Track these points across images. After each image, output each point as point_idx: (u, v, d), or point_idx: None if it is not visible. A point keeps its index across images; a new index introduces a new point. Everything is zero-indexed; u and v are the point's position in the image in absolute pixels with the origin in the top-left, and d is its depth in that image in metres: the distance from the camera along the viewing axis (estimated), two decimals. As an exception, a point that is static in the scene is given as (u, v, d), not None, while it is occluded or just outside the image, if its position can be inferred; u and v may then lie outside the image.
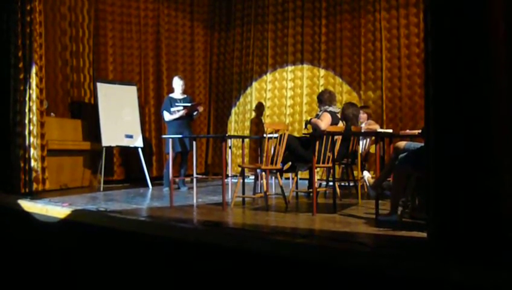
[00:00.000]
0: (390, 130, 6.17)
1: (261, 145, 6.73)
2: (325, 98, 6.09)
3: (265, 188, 5.47)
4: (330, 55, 9.00)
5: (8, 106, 6.39)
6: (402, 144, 4.30)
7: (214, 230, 3.98)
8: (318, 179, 6.69)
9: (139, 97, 8.49)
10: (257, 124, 9.61)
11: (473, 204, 2.69)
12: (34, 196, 6.03)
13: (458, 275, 2.60)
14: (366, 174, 4.79)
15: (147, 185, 7.74)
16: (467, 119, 2.73)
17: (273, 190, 6.84)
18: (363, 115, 6.83)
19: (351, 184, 6.65)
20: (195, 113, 7.41)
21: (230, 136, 6.70)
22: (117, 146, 7.90)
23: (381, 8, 8.43)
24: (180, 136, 6.85)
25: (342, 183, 6.83)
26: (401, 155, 4.21)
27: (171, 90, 7.64)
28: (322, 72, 9.04)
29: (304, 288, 3.23)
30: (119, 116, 7.88)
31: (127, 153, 8.53)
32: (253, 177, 6.98)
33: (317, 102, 6.33)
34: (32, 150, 6.30)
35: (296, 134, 8.33)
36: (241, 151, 7.70)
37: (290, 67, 9.40)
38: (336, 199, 5.10)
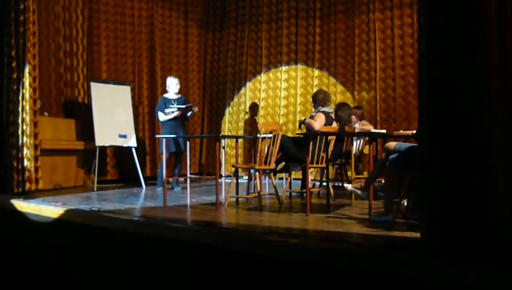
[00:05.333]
0: (384, 131, 6.18)
1: (254, 145, 6.73)
2: (319, 98, 6.09)
3: (259, 188, 5.47)
4: (324, 55, 9.01)
5: (1, 105, 6.37)
6: (392, 144, 4.28)
7: (207, 230, 3.98)
8: (312, 180, 6.70)
9: (132, 97, 8.47)
10: (251, 124, 9.61)
11: (467, 205, 2.70)
12: (27, 195, 6.01)
13: (451, 275, 2.61)
14: (349, 187, 4.80)
15: (141, 185, 7.73)
16: (460, 120, 2.74)
17: (267, 190, 6.84)
18: (353, 116, 6.83)
19: (345, 185, 6.65)
20: (189, 113, 7.40)
21: (224, 136, 6.70)
22: (111, 146, 7.88)
23: (375, 8, 8.44)
24: (174, 136, 6.84)
25: (336, 184, 6.83)
26: (392, 156, 4.19)
27: (165, 90, 7.63)
28: (316, 72, 9.05)
29: (297, 288, 3.24)
30: (113, 116, 7.86)
31: (121, 152, 8.51)
32: (247, 177, 6.98)
33: (311, 102, 6.32)
34: (25, 150, 6.27)
35: (289, 134, 8.34)
36: (235, 151, 7.69)
37: (284, 68, 9.39)
38: (329, 199, 5.11)
